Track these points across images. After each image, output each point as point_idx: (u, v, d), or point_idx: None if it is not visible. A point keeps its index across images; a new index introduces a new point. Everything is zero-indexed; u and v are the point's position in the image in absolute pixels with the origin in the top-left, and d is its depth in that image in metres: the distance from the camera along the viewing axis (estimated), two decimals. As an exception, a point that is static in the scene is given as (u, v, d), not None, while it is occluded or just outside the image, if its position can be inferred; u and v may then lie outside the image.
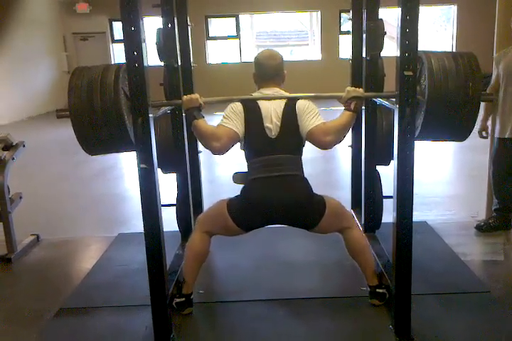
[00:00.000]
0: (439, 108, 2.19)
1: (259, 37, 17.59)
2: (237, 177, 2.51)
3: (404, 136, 2.19)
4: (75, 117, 2.18)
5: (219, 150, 2.39)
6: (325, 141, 2.38)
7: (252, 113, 2.41)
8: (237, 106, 2.43)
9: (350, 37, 3.52)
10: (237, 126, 2.40)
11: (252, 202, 2.42)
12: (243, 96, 2.49)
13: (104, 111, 2.15)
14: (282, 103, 2.43)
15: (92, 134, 2.20)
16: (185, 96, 2.40)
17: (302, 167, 2.48)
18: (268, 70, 2.52)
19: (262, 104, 2.43)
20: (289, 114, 2.41)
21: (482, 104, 3.38)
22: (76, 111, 2.17)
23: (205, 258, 2.58)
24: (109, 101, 2.14)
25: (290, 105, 2.42)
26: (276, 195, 2.38)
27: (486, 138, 3.55)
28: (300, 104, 2.43)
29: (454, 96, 2.16)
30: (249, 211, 2.42)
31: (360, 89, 2.41)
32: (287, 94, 2.48)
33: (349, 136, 3.55)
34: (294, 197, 2.40)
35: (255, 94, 2.52)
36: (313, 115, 2.40)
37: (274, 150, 2.41)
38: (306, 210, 2.43)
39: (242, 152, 2.53)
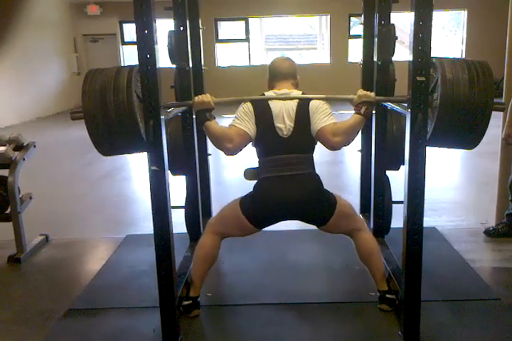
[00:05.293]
0: (450, 116, 2.18)
1: (269, 40, 17.62)
2: (249, 173, 2.51)
3: (416, 141, 2.19)
4: (88, 119, 2.20)
5: (231, 151, 2.41)
6: (333, 141, 2.37)
7: (263, 113, 2.42)
8: (248, 107, 2.44)
9: (360, 41, 3.52)
10: (249, 126, 2.41)
11: (264, 199, 2.44)
12: (254, 97, 2.49)
13: (117, 113, 2.16)
14: (295, 103, 2.43)
15: (106, 136, 2.21)
16: (196, 98, 2.40)
17: (313, 164, 2.49)
18: (281, 71, 2.53)
19: (272, 103, 2.43)
20: (302, 113, 2.41)
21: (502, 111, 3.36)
22: (90, 113, 2.19)
23: (215, 260, 2.58)
24: (122, 103, 2.15)
25: (303, 105, 2.42)
26: (287, 192, 2.40)
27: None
28: (313, 103, 2.43)
29: (466, 105, 2.15)
30: (261, 207, 2.44)
31: (372, 94, 2.41)
32: (298, 95, 2.47)
33: (359, 140, 3.57)
34: (304, 194, 2.42)
35: (267, 94, 2.51)
36: (325, 114, 2.40)
37: (286, 149, 2.42)
38: (316, 206, 2.45)
39: (251, 151, 2.53)
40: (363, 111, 2.36)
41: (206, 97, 2.38)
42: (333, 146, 2.39)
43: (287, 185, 2.41)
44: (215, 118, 2.41)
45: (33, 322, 2.63)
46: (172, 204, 2.34)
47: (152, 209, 2.26)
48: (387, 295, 2.55)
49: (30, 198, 3.55)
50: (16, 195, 3.36)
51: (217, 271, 2.99)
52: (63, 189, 5.45)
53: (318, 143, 2.48)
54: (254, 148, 2.52)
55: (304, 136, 2.42)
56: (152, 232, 2.29)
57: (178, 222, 3.11)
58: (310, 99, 2.44)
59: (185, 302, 2.55)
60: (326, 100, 2.47)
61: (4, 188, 3.36)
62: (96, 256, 3.57)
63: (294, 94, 2.48)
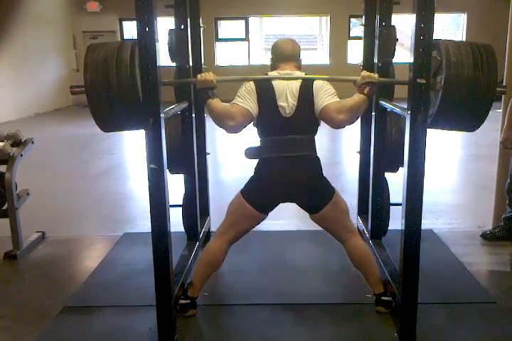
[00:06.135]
0: (454, 98, 2.19)
1: (268, 40, 17.62)
2: (250, 152, 2.50)
3: (416, 143, 2.19)
4: (90, 92, 2.19)
5: (233, 129, 2.39)
6: (338, 119, 2.35)
7: (265, 92, 2.40)
8: (250, 85, 2.41)
9: (359, 42, 3.52)
10: (251, 105, 2.39)
11: (265, 179, 2.46)
12: (257, 76, 2.47)
13: (119, 86, 2.15)
14: (298, 83, 2.41)
15: (108, 110, 2.21)
16: (199, 76, 2.38)
17: (315, 146, 2.49)
18: (284, 53, 2.51)
19: (276, 83, 2.42)
20: (306, 92, 2.39)
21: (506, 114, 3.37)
22: (92, 86, 2.18)
23: (219, 266, 2.61)
24: (124, 76, 2.15)
25: (307, 84, 2.40)
26: (287, 172, 2.42)
27: (511, 148, 3.41)
28: (317, 83, 2.42)
29: (470, 87, 2.16)
30: (262, 187, 2.46)
31: (375, 75, 2.40)
32: (301, 76, 2.45)
33: (358, 141, 3.57)
34: (304, 175, 2.44)
35: (270, 74, 2.49)
36: (329, 93, 2.39)
37: (288, 130, 2.41)
38: (314, 189, 2.46)
39: (250, 134, 2.54)
40: (366, 91, 2.34)
41: (209, 75, 2.36)
42: (338, 124, 2.38)
43: (288, 166, 2.42)
44: (217, 96, 2.39)
45: (29, 319, 2.63)
46: (170, 202, 2.34)
47: (150, 208, 2.26)
48: (383, 298, 2.55)
49: (28, 194, 3.54)
50: (13, 191, 3.35)
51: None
52: (60, 186, 5.43)
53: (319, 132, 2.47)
54: (255, 128, 2.50)
55: (306, 115, 2.41)
56: (149, 230, 2.28)
57: (176, 220, 3.11)
58: (313, 80, 2.43)
59: (182, 301, 2.55)
60: (329, 81, 2.46)
61: (1, 184, 3.35)
62: (92, 253, 3.57)
63: (297, 74, 2.46)
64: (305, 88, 2.40)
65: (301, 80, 2.42)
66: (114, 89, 2.16)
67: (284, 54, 2.51)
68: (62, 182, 5.64)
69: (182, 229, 3.32)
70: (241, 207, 2.48)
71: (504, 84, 3.67)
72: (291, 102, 2.39)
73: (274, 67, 2.54)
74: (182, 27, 3.13)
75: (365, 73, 2.38)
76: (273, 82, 2.42)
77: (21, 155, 3.42)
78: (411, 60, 2.18)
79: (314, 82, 2.42)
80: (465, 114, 2.25)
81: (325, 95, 2.38)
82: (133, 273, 3.07)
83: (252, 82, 2.42)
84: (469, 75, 2.16)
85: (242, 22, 13.71)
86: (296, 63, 2.53)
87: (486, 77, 2.17)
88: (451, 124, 2.37)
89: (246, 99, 2.39)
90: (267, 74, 2.48)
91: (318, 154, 2.50)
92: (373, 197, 3.29)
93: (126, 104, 2.19)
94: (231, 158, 6.72)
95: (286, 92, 2.39)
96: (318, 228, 2.65)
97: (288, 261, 3.22)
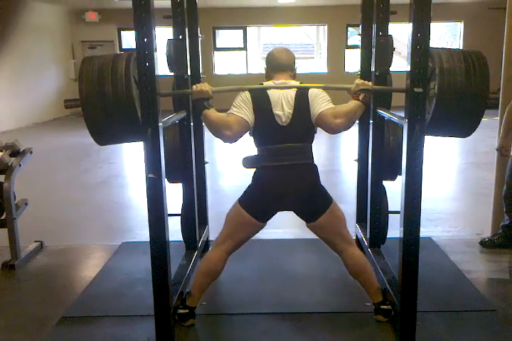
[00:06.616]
0: (448, 104, 2.23)
1: (266, 49, 17.71)
2: (247, 161, 2.49)
3: (413, 152, 2.20)
4: (86, 104, 2.18)
5: (230, 139, 2.40)
6: (335, 124, 2.36)
7: (261, 101, 2.41)
8: (246, 95, 2.42)
9: (357, 51, 3.55)
10: (248, 114, 2.39)
11: (263, 187, 2.46)
12: (253, 86, 2.48)
13: (115, 98, 2.15)
14: (293, 91, 2.42)
15: (103, 121, 2.21)
16: (194, 86, 2.39)
17: (312, 154, 2.49)
18: (279, 62, 2.52)
19: (271, 92, 2.43)
20: (302, 100, 2.40)
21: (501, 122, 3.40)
22: (87, 98, 2.17)
23: (217, 276, 2.60)
24: (120, 87, 2.15)
25: (302, 93, 2.42)
26: (286, 181, 2.42)
27: (506, 156, 3.45)
28: (313, 91, 2.43)
29: (463, 93, 2.20)
30: (259, 196, 2.46)
31: (369, 83, 2.42)
32: (297, 85, 2.46)
33: (356, 150, 3.58)
34: (302, 184, 2.44)
35: (266, 84, 2.50)
36: (324, 100, 2.40)
37: (284, 138, 2.41)
38: (313, 197, 2.46)
39: (249, 141, 2.53)
40: (361, 97, 2.36)
41: (204, 86, 2.37)
42: (334, 128, 2.39)
43: (286, 175, 2.42)
44: (213, 107, 2.39)
45: (27, 329, 2.61)
46: (168, 211, 2.34)
47: (148, 217, 2.26)
48: (382, 306, 2.54)
49: (26, 204, 3.54)
50: (11, 201, 3.35)
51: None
52: (59, 195, 5.42)
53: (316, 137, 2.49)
54: (251, 137, 2.50)
55: (303, 123, 2.42)
56: (148, 240, 2.29)
57: (174, 229, 3.11)
58: (308, 88, 2.44)
59: (181, 311, 2.54)
60: (324, 89, 2.47)
61: (0, 194, 3.35)
62: (91, 263, 3.56)
63: (292, 83, 2.47)
64: (300, 96, 2.41)
65: (296, 89, 2.43)
66: (109, 100, 2.15)
67: (279, 64, 2.52)
68: (62, 191, 5.64)
69: (181, 238, 3.32)
70: (239, 216, 2.48)
71: (501, 91, 3.71)
72: (287, 110, 2.40)
73: (268, 76, 2.55)
74: (180, 37, 3.15)
75: (358, 81, 2.40)
76: (268, 91, 2.43)
77: (20, 165, 3.42)
78: (408, 69, 2.19)
79: (309, 90, 2.43)
80: (459, 120, 2.27)
81: (321, 102, 2.40)
82: (131, 282, 3.06)
83: (247, 92, 2.43)
84: (462, 81, 2.19)
85: (240, 31, 13.79)
86: (292, 73, 2.54)
87: (478, 82, 2.20)
88: (445, 130, 2.39)
89: (242, 108, 2.40)
90: (262, 84, 2.50)
91: (317, 162, 2.51)
92: (372, 205, 3.29)
93: (122, 115, 2.19)
94: (229, 166, 6.72)
95: (282, 101, 2.40)
96: (317, 236, 2.65)
97: (286, 270, 3.22)
